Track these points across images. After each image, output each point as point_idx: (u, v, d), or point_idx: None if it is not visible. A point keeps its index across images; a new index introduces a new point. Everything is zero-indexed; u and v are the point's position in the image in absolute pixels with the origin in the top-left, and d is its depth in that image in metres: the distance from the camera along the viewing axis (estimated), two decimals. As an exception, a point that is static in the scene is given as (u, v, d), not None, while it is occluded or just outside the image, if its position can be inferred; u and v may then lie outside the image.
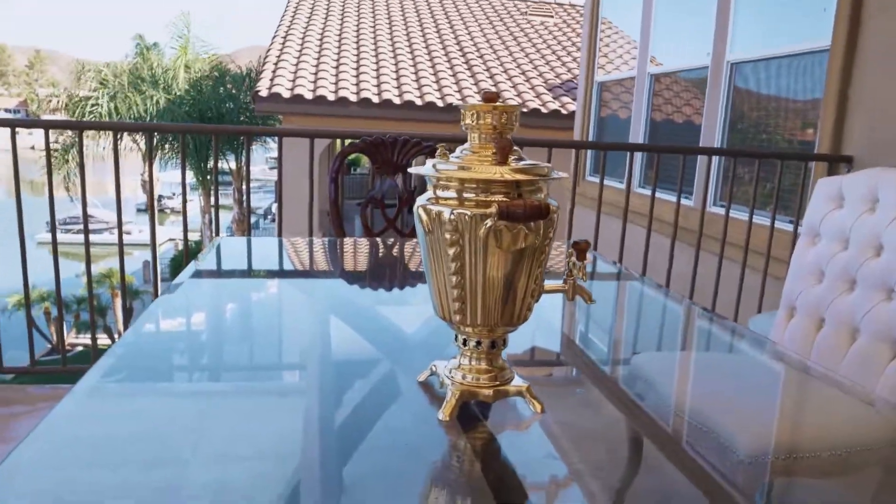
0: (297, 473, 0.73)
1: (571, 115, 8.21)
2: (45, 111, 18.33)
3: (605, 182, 3.20)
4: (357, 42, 10.93)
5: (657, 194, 3.95)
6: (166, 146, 13.19)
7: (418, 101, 8.93)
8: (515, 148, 0.83)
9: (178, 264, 14.32)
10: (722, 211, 3.85)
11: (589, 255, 2.15)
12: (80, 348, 13.21)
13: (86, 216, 2.76)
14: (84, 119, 13.40)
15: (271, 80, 8.99)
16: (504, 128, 0.83)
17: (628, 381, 1.10)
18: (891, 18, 2.99)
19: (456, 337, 0.88)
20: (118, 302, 14.07)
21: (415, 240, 2.11)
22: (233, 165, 14.74)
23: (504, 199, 0.79)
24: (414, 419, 0.88)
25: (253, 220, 24.94)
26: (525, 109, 9.15)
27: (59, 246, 2.97)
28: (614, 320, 1.49)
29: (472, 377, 0.87)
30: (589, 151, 5.65)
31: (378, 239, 2.32)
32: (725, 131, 4.27)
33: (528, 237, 0.78)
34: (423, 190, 0.87)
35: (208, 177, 13.71)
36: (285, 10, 11.93)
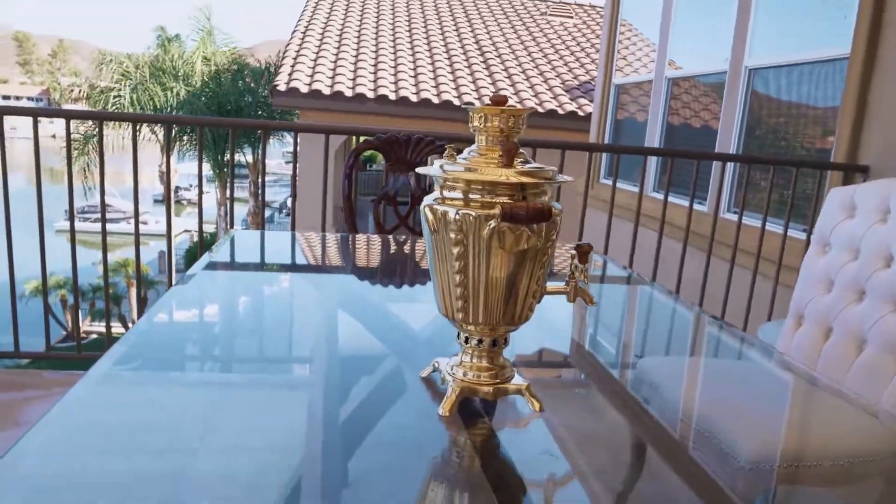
0: (299, 465, 0.76)
1: (588, 116, 8.19)
2: (66, 100, 18.53)
3: (621, 185, 3.21)
4: (376, 38, 10.97)
5: (673, 199, 3.94)
6: (184, 138, 13.31)
7: (435, 100, 8.95)
8: (522, 151, 0.85)
9: (192, 255, 14.44)
10: (736, 217, 3.84)
11: (599, 259, 2.17)
12: (94, 336, 13.36)
13: (103, 206, 2.80)
14: (107, 107, 13.56)
15: (290, 74, 9.04)
16: (511, 131, 0.84)
17: (631, 385, 1.12)
18: (912, 28, 2.97)
19: (458, 334, 0.90)
20: (133, 291, 14.22)
21: (425, 238, 2.12)
22: (250, 158, 14.83)
23: (508, 201, 0.81)
24: (415, 414, 0.89)
25: (268, 213, 25.06)
26: (542, 110, 9.14)
27: (77, 234, 3.01)
28: (620, 324, 1.50)
29: (473, 374, 0.89)
30: (604, 154, 5.64)
31: (390, 236, 2.35)
32: (742, 137, 4.25)
33: (531, 239, 0.80)
34: (435, 188, 0.89)
35: (225, 169, 13.82)
36: (305, 6, 11.99)
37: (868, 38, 3.14)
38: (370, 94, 8.79)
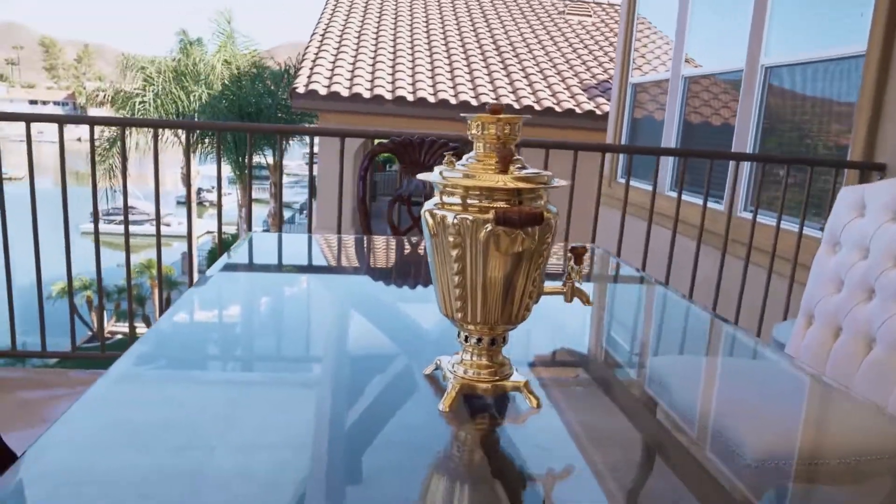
0: (307, 461, 0.80)
1: (606, 116, 8.17)
2: (92, 104, 18.83)
3: (640, 185, 3.22)
4: (393, 40, 11.03)
5: (690, 198, 3.95)
6: (206, 140, 13.49)
7: (452, 100, 8.99)
8: (518, 157, 0.88)
9: (214, 256, 14.61)
10: (746, 215, 3.83)
11: (612, 260, 2.18)
12: (119, 336, 13.61)
13: (126, 209, 2.88)
14: (133, 113, 13.81)
15: (308, 77, 9.14)
16: (507, 138, 0.88)
17: (639, 383, 1.15)
18: (928, 25, 2.95)
19: (459, 333, 0.94)
20: (157, 291, 14.44)
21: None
22: (271, 160, 14.99)
23: (504, 205, 0.84)
24: (417, 410, 0.93)
25: (289, 214, 25.28)
26: (559, 110, 9.14)
27: (102, 236, 3.10)
28: (624, 324, 1.53)
29: (473, 372, 0.93)
30: (622, 154, 5.64)
31: (404, 237, 2.39)
32: (758, 135, 4.23)
33: (525, 242, 0.84)
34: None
35: (246, 171, 13.98)
36: (324, 8, 12.09)
37: (884, 35, 3.13)
38: (388, 96, 8.85)
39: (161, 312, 14.22)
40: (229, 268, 1.64)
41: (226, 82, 14.40)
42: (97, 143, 10.76)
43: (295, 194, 29.00)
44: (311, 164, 2.83)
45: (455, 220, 0.84)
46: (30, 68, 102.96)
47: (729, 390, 1.15)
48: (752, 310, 3.27)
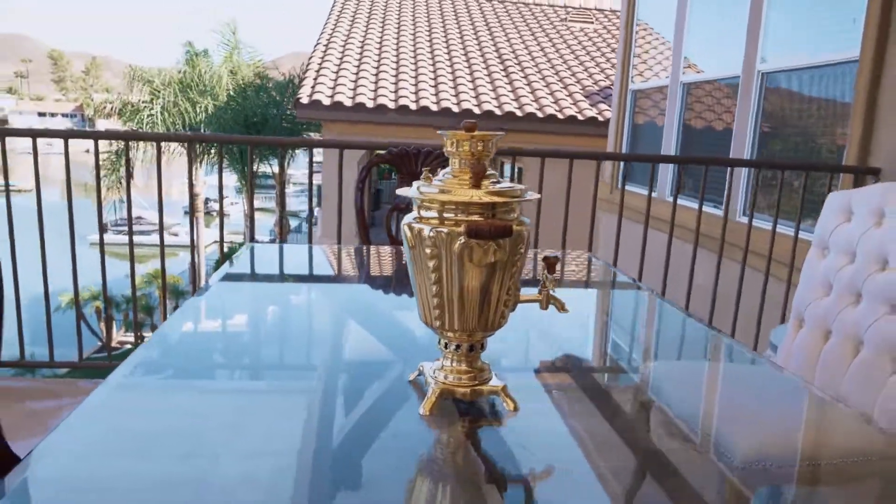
0: (293, 463, 0.84)
1: (608, 122, 8.21)
2: (100, 116, 19.01)
3: (641, 191, 3.26)
4: (396, 50, 11.12)
5: (691, 203, 3.98)
6: (212, 151, 13.59)
7: (455, 108, 9.05)
8: (492, 172, 0.93)
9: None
10: (745, 220, 3.86)
11: (611, 269, 2.21)
12: (129, 346, 13.69)
13: (130, 221, 2.94)
14: (141, 125, 13.98)
15: (312, 87, 9.22)
16: (481, 154, 0.92)
17: (619, 389, 1.18)
18: (919, 30, 2.98)
19: (439, 341, 0.98)
20: (162, 301, 14.54)
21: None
22: (276, 170, 15.10)
23: (478, 218, 0.89)
24: (400, 414, 0.98)
25: (296, 223, 25.40)
26: (561, 117, 9.19)
27: (112, 247, 3.16)
28: (609, 330, 1.56)
29: (454, 377, 0.97)
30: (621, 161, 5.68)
31: (400, 247, 2.43)
32: (756, 140, 4.26)
33: (497, 253, 0.88)
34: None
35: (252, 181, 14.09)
36: (327, 19, 12.20)
37: (876, 40, 3.16)
38: (391, 105, 8.92)
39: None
40: (228, 278, 1.69)
41: (231, 93, 14.53)
42: (105, 156, 10.89)
43: (301, 203, 29.13)
44: (310, 175, 2.89)
45: (431, 233, 0.89)
46: (38, 81, 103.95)
47: (707, 394, 1.19)
48: (751, 314, 3.30)
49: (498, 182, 0.93)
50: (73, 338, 3.21)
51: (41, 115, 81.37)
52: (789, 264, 3.21)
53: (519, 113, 9.17)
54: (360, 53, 10.70)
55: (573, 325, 1.48)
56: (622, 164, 5.83)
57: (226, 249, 3.16)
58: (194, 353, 1.24)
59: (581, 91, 10.20)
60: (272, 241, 14.47)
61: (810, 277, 2.12)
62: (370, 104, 8.90)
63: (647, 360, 1.36)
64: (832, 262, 2.04)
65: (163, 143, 3.06)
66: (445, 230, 0.88)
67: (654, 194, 5.00)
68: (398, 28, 12.26)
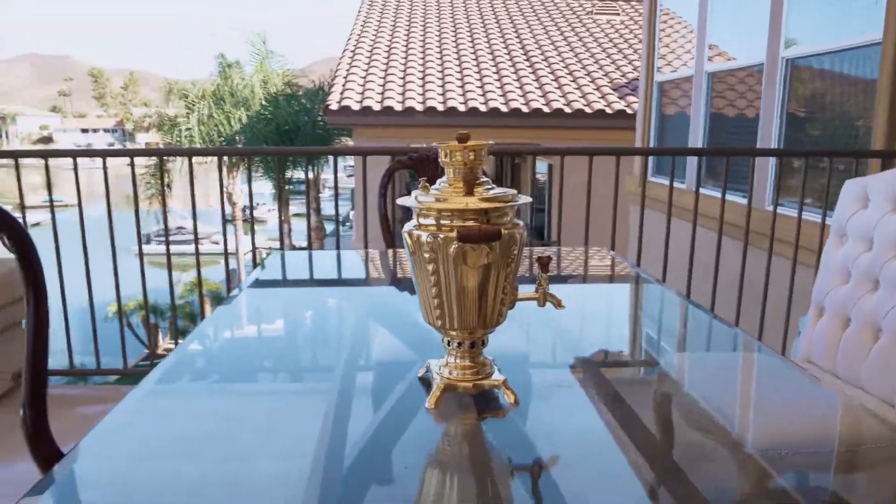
0: (310, 458, 0.92)
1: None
2: (139, 129, 19.58)
3: (666, 182, 3.29)
4: (423, 51, 11.21)
5: (715, 193, 3.96)
6: (246, 160, 13.90)
7: (482, 108, 9.10)
8: (484, 179, 0.99)
9: (260, 272, 15.00)
10: (780, 209, 3.83)
11: (632, 270, 2.25)
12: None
13: (167, 232, 3.08)
14: (179, 138, 14.40)
15: (341, 93, 9.37)
16: (473, 163, 0.98)
17: (619, 382, 1.23)
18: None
19: (442, 339, 1.05)
20: (208, 308, 14.90)
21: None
22: (310, 175, 15.34)
23: (473, 223, 0.95)
24: (409, 407, 1.04)
25: (332, 227, 25.72)
26: (589, 111, 9.16)
27: (156, 256, 3.31)
28: (608, 326, 1.61)
29: (458, 372, 1.03)
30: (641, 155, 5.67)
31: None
32: (783, 128, 4.22)
33: (490, 255, 0.94)
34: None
35: (286, 187, 14.37)
36: (354, 24, 12.36)
37: (899, 22, 3.12)
38: (419, 107, 9.01)
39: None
40: (256, 285, 1.78)
41: (263, 102, 14.82)
42: (145, 168, 11.23)
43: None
44: (335, 183, 2.98)
45: (429, 239, 0.95)
46: (80, 98, 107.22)
47: (736, 386, 1.23)
48: (780, 302, 3.28)
49: (491, 188, 0.99)
50: (118, 346, 3.36)
51: (84, 131, 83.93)
52: (817, 251, 3.18)
53: (546, 109, 9.17)
54: (387, 57, 10.82)
55: (577, 321, 1.53)
56: (650, 157, 5.82)
57: (264, 255, 3.28)
58: (221, 357, 1.33)
59: (609, 84, 10.15)
60: (303, 248, 14.69)
61: (829, 265, 2.12)
62: (398, 107, 9.00)
63: (653, 354, 1.41)
64: (850, 250, 2.04)
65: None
66: (441, 236, 0.94)
67: (682, 185, 4.99)
68: (424, 30, 12.36)
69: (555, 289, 1.03)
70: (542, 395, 1.10)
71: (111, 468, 0.87)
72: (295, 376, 1.28)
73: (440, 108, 9.04)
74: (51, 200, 3.14)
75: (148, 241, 19.35)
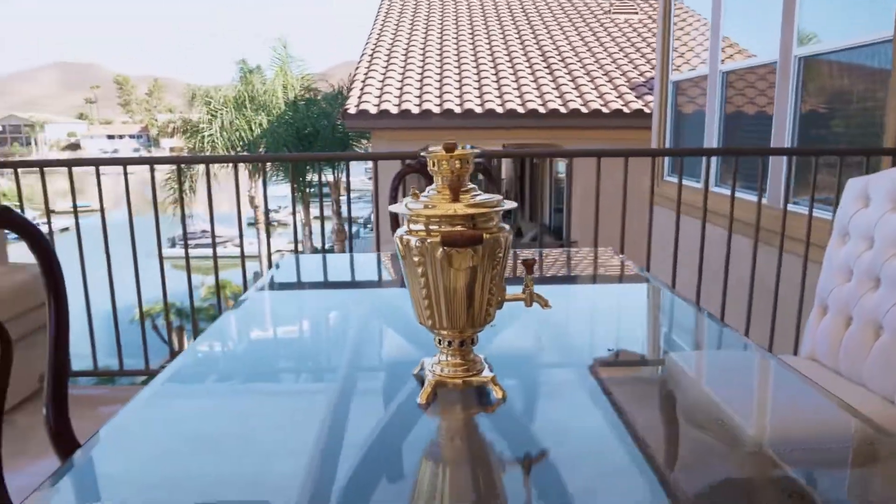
0: (307, 454, 0.98)
1: (653, 113, 8.15)
2: (163, 135, 19.95)
3: (687, 182, 3.31)
4: (440, 54, 11.28)
5: (739, 194, 3.96)
6: (269, 164, 14.08)
7: (499, 109, 9.13)
8: (471, 186, 1.04)
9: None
10: (794, 208, 3.82)
11: (642, 273, 2.28)
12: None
13: (185, 237, 3.17)
14: (202, 144, 14.66)
15: (359, 97, 9.46)
16: (460, 171, 1.04)
17: (602, 381, 1.28)
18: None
19: (434, 338, 1.10)
20: (220, 311, 15.12)
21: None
22: (331, 178, 15.51)
23: (461, 228, 1.00)
24: (403, 403, 1.10)
25: (354, 229, 25.92)
26: (606, 111, 9.16)
27: (180, 260, 3.42)
28: (598, 326, 1.65)
29: (449, 370, 1.09)
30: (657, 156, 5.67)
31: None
32: (796, 126, 4.21)
33: (474, 258, 0.99)
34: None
35: (308, 190, 14.54)
36: (372, 28, 12.47)
37: (910, 19, 3.11)
38: (436, 110, 9.07)
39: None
40: (265, 288, 1.85)
41: (283, 107, 15.01)
42: (168, 174, 11.43)
43: (359, 209, 29.69)
44: (348, 188, 3.05)
45: (417, 244, 1.01)
46: (106, 105, 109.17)
47: (734, 386, 1.27)
48: (792, 300, 3.28)
49: (478, 195, 1.04)
50: (150, 348, 3.46)
51: (110, 137, 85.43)
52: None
53: (563, 110, 9.18)
54: (405, 60, 10.91)
55: (565, 319, 1.58)
56: (666, 157, 5.82)
57: (268, 261, 3.36)
58: (227, 358, 1.40)
59: (626, 84, 10.13)
60: (329, 250, 14.84)
61: (832, 264, 2.14)
62: (415, 110, 9.07)
63: (639, 352, 1.45)
64: (852, 248, 2.06)
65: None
66: (429, 240, 1.00)
67: (698, 185, 4.97)
68: (441, 33, 12.42)
69: (549, 289, 1.09)
70: (530, 392, 1.15)
71: (117, 463, 0.94)
72: (298, 376, 1.34)
73: (457, 110, 9.09)
74: (74, 207, 3.25)
75: (173, 245, 19.68)
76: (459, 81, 10.06)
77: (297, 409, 1.11)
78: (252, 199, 16.17)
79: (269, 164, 14.00)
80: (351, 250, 3.06)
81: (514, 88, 9.86)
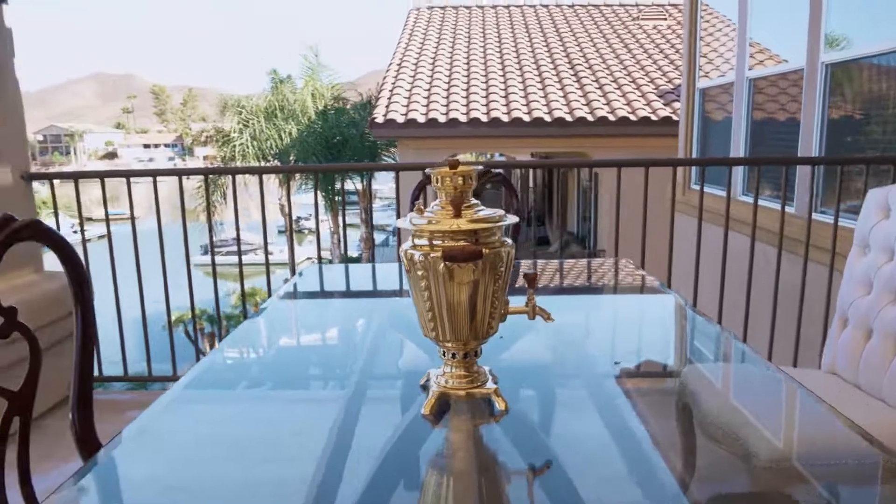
0: (313, 461, 1.02)
1: (681, 120, 8.08)
2: (197, 144, 20.37)
3: (712, 191, 3.30)
4: (467, 63, 11.33)
5: (767, 203, 3.94)
6: (297, 174, 14.29)
7: (526, 118, 9.14)
8: (474, 202, 1.07)
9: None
10: (822, 217, 3.77)
11: (657, 285, 2.28)
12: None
13: (212, 246, 3.25)
14: (234, 153, 14.96)
15: (387, 106, 9.55)
16: (463, 187, 1.06)
17: (601, 393, 1.29)
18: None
19: (439, 350, 1.13)
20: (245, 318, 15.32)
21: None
22: (359, 186, 15.66)
23: (464, 243, 1.03)
24: (409, 414, 1.13)
25: (383, 237, 26.08)
26: (634, 118, 9.10)
27: (210, 267, 3.50)
28: (602, 338, 1.66)
29: (454, 381, 1.12)
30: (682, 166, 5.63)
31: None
32: (823, 134, 4.16)
33: (476, 272, 1.02)
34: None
35: (336, 198, 14.70)
36: (400, 38, 12.59)
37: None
38: (463, 119, 9.11)
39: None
40: (286, 297, 1.90)
41: (312, 116, 15.23)
42: (199, 182, 11.67)
43: (388, 217, 29.86)
44: (370, 197, 3.10)
45: (421, 258, 1.04)
46: (142, 115, 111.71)
47: (746, 400, 1.28)
48: (818, 311, 3.24)
49: (480, 210, 1.07)
50: (182, 353, 3.55)
51: (146, 146, 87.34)
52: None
53: (590, 118, 9.15)
54: (432, 69, 10.98)
55: (572, 333, 1.59)
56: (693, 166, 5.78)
57: (290, 270, 3.42)
58: (243, 365, 1.44)
59: (654, 91, 10.06)
60: (356, 259, 14.96)
61: (853, 275, 2.12)
62: (442, 119, 9.13)
63: (642, 364, 1.46)
64: (872, 260, 2.03)
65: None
66: (432, 255, 1.03)
67: (721, 192, 4.93)
68: (468, 41, 12.49)
69: (559, 300, 1.11)
70: (532, 404, 1.18)
71: (136, 466, 0.99)
72: (310, 383, 1.38)
73: (484, 118, 9.12)
74: (107, 216, 3.35)
75: (205, 252, 20.07)
76: (486, 90, 10.10)
77: (306, 417, 1.15)
78: (283, 207, 16.39)
79: (297, 173, 14.24)
80: (373, 259, 3.10)
81: (541, 97, 9.86)
